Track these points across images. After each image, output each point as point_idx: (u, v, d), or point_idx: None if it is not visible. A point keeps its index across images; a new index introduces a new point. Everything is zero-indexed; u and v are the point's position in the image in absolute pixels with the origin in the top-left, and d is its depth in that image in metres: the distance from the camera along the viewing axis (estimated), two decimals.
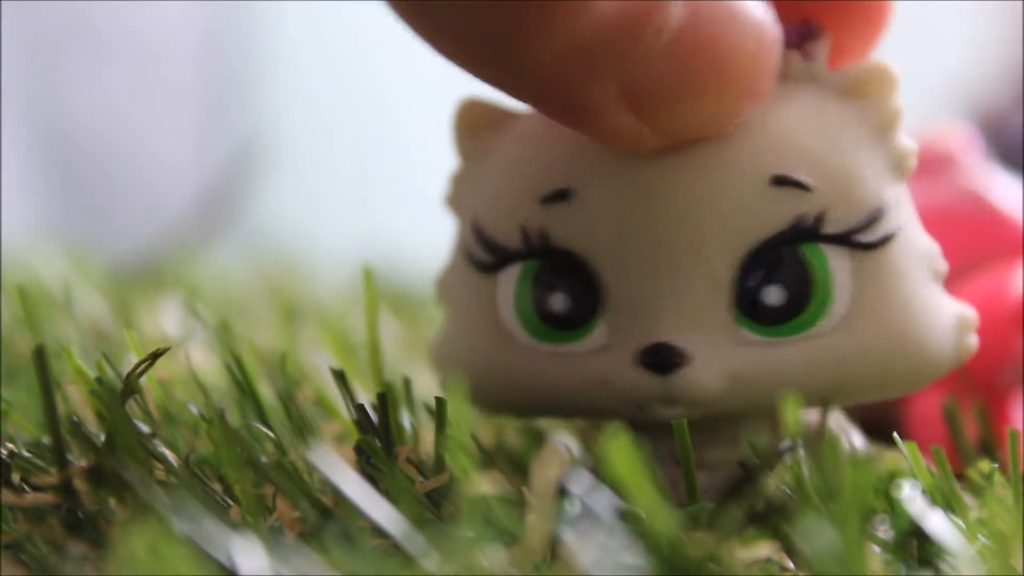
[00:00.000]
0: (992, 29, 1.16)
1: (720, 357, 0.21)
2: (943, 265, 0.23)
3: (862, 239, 0.22)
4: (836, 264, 0.22)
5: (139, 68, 1.02)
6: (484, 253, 0.23)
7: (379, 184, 1.10)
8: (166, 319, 0.38)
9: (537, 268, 0.22)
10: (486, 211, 0.23)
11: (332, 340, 0.30)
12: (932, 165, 0.32)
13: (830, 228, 0.21)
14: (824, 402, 0.22)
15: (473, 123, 0.24)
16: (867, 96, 0.22)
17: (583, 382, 0.22)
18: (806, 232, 0.21)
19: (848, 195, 0.22)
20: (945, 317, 0.22)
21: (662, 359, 0.21)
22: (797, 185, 0.21)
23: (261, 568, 0.17)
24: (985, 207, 0.32)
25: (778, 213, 0.21)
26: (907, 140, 0.22)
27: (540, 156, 0.23)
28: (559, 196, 0.22)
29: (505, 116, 0.24)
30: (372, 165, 1.11)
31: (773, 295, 0.22)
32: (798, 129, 0.22)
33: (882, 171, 0.22)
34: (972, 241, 0.31)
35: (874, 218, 0.22)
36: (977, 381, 0.28)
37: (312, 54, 1.08)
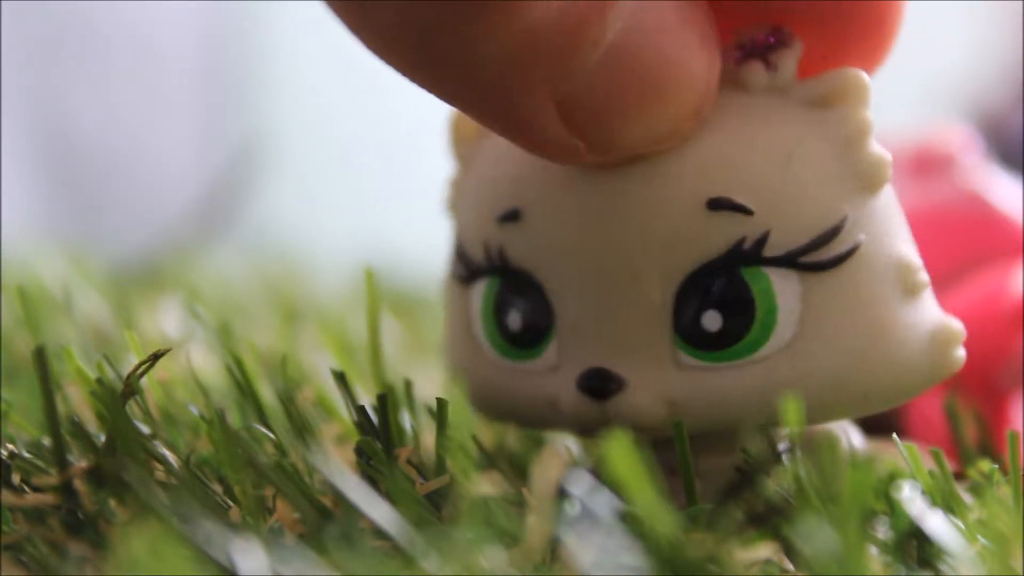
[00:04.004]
0: (992, 29, 1.16)
1: (657, 383, 0.21)
2: (920, 278, 0.21)
3: (810, 260, 0.20)
4: (781, 287, 0.21)
5: (139, 69, 1.02)
6: (460, 265, 0.23)
7: (379, 185, 1.10)
8: (166, 320, 0.38)
9: (499, 285, 0.22)
10: (463, 223, 0.23)
11: (332, 341, 0.30)
12: (932, 165, 0.32)
13: (773, 251, 0.20)
14: (775, 424, 0.21)
15: (464, 129, 0.24)
16: (834, 107, 0.21)
17: (536, 401, 0.22)
18: (745, 256, 0.20)
19: (795, 215, 0.20)
20: (917, 333, 0.21)
21: (597, 384, 0.21)
22: (736, 208, 0.20)
23: (261, 569, 0.17)
24: (985, 207, 0.32)
25: (715, 237, 0.20)
26: (879, 150, 0.21)
27: (499, 174, 0.22)
28: (511, 216, 0.22)
29: None
30: (372, 166, 1.11)
31: (711, 320, 0.21)
32: (745, 146, 0.21)
33: (843, 185, 0.21)
34: (972, 241, 0.31)
35: (827, 237, 0.20)
36: (977, 382, 0.28)
37: (312, 55, 1.08)
